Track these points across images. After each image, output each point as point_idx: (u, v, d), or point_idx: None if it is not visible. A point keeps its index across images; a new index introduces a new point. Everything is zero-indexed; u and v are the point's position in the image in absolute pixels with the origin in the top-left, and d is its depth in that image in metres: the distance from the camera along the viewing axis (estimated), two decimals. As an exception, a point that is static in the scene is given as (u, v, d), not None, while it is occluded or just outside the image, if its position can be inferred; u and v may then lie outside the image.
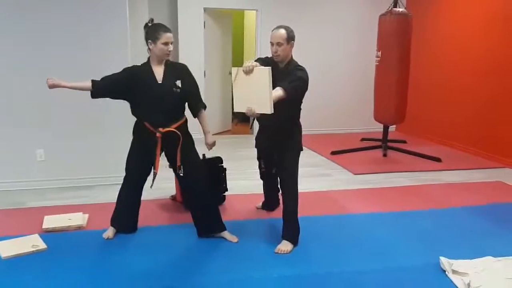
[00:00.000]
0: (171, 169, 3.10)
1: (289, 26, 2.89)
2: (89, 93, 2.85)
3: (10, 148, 4.09)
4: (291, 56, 2.93)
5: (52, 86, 2.74)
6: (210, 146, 3.07)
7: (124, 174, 3.08)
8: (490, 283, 2.49)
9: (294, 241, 3.00)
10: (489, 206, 3.86)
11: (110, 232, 3.11)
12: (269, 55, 3.00)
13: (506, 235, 3.26)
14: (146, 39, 2.82)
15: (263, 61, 2.88)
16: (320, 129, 7.25)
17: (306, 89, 2.87)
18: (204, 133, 3.07)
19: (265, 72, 2.50)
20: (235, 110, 2.76)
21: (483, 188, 4.42)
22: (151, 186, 3.01)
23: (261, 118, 2.74)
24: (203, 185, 3.04)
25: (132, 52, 4.24)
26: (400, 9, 5.58)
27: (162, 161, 2.98)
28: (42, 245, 2.92)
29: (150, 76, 2.84)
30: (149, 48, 2.84)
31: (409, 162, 5.45)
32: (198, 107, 3.03)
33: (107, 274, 2.61)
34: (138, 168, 3.02)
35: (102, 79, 2.85)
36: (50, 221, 3.29)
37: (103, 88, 2.84)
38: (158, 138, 2.86)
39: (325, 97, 7.16)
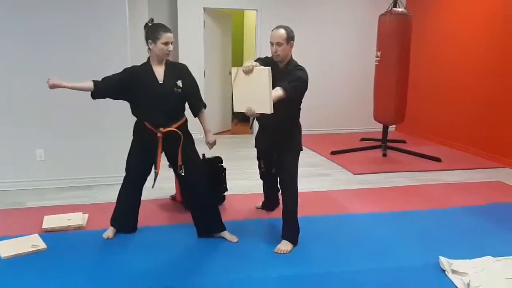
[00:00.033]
0: (171, 169, 3.10)
1: (288, 26, 2.89)
2: (89, 93, 2.84)
3: (10, 148, 4.09)
4: (291, 56, 2.93)
5: (52, 87, 2.71)
6: (211, 145, 3.08)
7: (124, 174, 3.08)
8: (490, 283, 2.49)
9: (294, 241, 3.00)
10: (489, 206, 3.86)
11: (110, 232, 3.11)
12: (269, 55, 3.00)
13: (506, 235, 3.26)
14: (146, 39, 2.82)
15: (263, 61, 2.88)
16: (320, 129, 7.26)
17: (306, 89, 2.87)
18: (205, 132, 3.08)
19: (265, 72, 2.50)
20: (235, 110, 2.76)
21: (483, 188, 4.42)
22: (152, 186, 3.02)
23: (261, 118, 2.74)
24: (203, 185, 3.04)
25: (132, 52, 4.24)
26: (400, 9, 5.58)
27: (163, 161, 2.98)
28: (42, 245, 2.92)
29: (151, 76, 2.84)
30: (149, 48, 2.84)
31: (409, 162, 5.45)
32: (198, 107, 3.05)
33: (107, 274, 2.62)
34: (138, 168, 3.02)
35: (102, 79, 2.84)
36: (50, 221, 3.29)
37: (104, 89, 2.83)
38: (159, 138, 2.86)
39: (325, 97, 7.16)
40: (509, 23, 5.21)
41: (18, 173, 4.15)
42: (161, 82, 2.84)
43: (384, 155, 5.74)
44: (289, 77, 2.76)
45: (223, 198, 3.83)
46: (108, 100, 3.01)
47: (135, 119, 2.99)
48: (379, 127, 6.12)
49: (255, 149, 3.39)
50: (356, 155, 5.78)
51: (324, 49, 7.16)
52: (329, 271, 2.69)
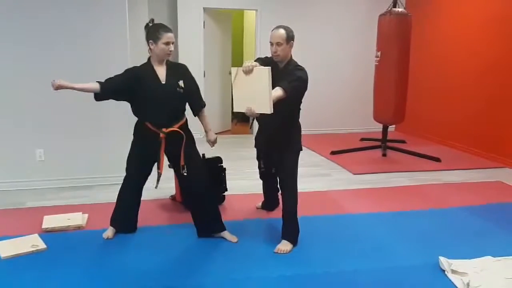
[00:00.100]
0: (171, 169, 3.09)
1: (288, 26, 2.89)
2: (88, 93, 2.83)
3: (9, 148, 4.09)
4: (291, 56, 2.93)
5: (58, 87, 2.63)
6: (213, 143, 3.10)
7: (124, 174, 3.08)
8: (490, 283, 2.49)
9: (294, 241, 3.00)
10: (488, 206, 3.86)
11: (109, 232, 3.11)
12: (269, 55, 3.00)
13: (506, 235, 3.26)
14: (147, 39, 2.82)
15: (263, 61, 2.88)
16: (319, 129, 7.26)
17: (306, 89, 2.87)
18: (206, 131, 3.09)
19: (265, 72, 2.50)
20: (234, 110, 2.76)
21: (482, 188, 4.42)
22: (156, 187, 3.02)
23: (261, 118, 2.74)
24: (203, 185, 3.04)
25: (132, 52, 4.24)
26: (400, 9, 5.58)
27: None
28: (41, 245, 2.92)
29: (153, 77, 2.83)
30: (150, 48, 2.83)
31: (409, 162, 5.45)
32: (199, 106, 3.06)
33: (106, 274, 2.61)
34: (138, 169, 3.02)
35: (106, 81, 2.79)
36: (50, 221, 3.29)
37: (109, 90, 2.78)
38: (162, 139, 2.86)
39: (325, 97, 7.16)
40: (508, 23, 5.21)
41: (18, 173, 4.15)
42: (164, 82, 2.84)
43: (384, 155, 5.74)
44: (289, 77, 2.76)
45: (223, 198, 3.83)
46: (108, 100, 3.01)
47: (135, 119, 2.99)
48: (379, 127, 6.12)
49: (255, 149, 3.39)
50: (356, 155, 5.78)
51: (324, 49, 7.16)
52: (329, 271, 2.69)
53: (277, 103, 2.58)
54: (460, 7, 6.06)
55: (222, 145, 5.92)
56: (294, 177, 3.02)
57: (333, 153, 5.77)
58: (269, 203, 3.67)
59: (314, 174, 4.86)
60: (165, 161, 3.02)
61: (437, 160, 5.45)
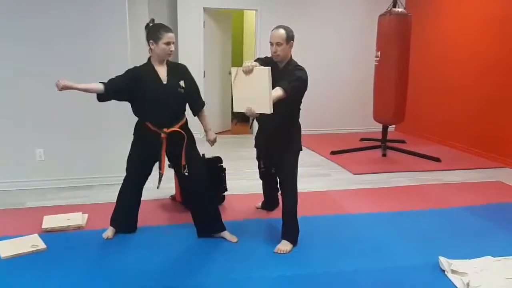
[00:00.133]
0: (170, 169, 3.09)
1: (288, 26, 2.89)
2: (88, 93, 2.82)
3: (9, 148, 4.09)
4: (291, 56, 2.93)
5: (64, 88, 2.59)
6: (212, 142, 3.11)
7: (124, 174, 3.08)
8: (490, 283, 2.49)
9: (294, 241, 3.00)
10: (488, 206, 3.86)
11: (109, 232, 3.11)
12: (269, 55, 3.00)
13: (506, 235, 3.26)
14: (148, 39, 2.81)
15: (263, 61, 2.88)
16: (319, 129, 7.26)
17: (306, 89, 2.87)
18: (205, 130, 3.10)
19: (265, 72, 2.50)
20: (234, 110, 2.76)
21: (483, 188, 4.42)
22: (157, 187, 3.02)
23: (261, 118, 2.74)
24: (203, 185, 3.04)
25: (132, 52, 4.24)
26: (399, 9, 5.58)
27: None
28: (41, 245, 2.92)
29: (154, 77, 2.83)
30: (150, 48, 2.83)
31: (409, 162, 5.45)
32: (199, 106, 3.07)
33: (106, 274, 2.61)
34: (138, 168, 3.02)
35: (109, 81, 2.77)
36: (50, 221, 3.29)
37: (113, 91, 2.76)
38: (163, 139, 2.86)
39: (325, 97, 7.16)
40: (508, 23, 5.21)
41: (18, 173, 4.15)
42: (165, 82, 2.85)
43: (384, 155, 5.74)
44: (289, 77, 2.76)
45: (223, 198, 3.83)
46: (109, 100, 3.00)
47: (135, 119, 2.98)
48: (378, 127, 6.13)
49: (255, 149, 3.39)
50: (356, 155, 5.78)
51: (324, 49, 7.16)
52: (328, 271, 2.69)
53: (277, 103, 2.58)
54: (460, 7, 6.06)
55: (222, 145, 5.93)
56: (294, 177, 3.02)
57: (333, 153, 5.77)
58: (269, 203, 3.67)
59: (314, 174, 4.86)
60: (165, 161, 3.02)
61: (437, 160, 5.45)
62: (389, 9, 5.60)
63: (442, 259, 2.73)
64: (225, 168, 3.82)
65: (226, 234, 3.10)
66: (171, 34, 2.79)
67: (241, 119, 8.12)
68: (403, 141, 6.55)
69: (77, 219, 3.34)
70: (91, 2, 4.04)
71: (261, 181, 3.60)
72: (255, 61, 2.69)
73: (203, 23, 6.69)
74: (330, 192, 4.24)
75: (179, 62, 5.34)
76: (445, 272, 2.66)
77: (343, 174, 4.95)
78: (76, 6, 4.00)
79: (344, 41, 7.24)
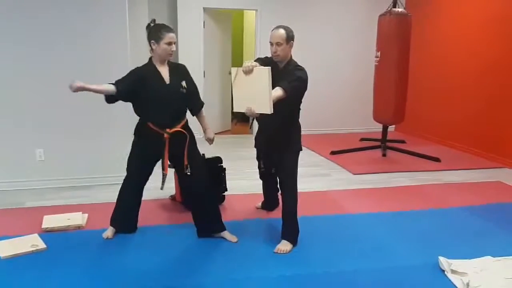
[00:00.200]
0: (170, 169, 3.09)
1: (288, 26, 2.89)
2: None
3: (9, 148, 4.09)
4: (291, 56, 2.93)
5: (78, 89, 2.54)
6: (212, 140, 3.13)
7: (124, 173, 3.08)
8: (489, 283, 2.49)
9: (294, 241, 3.00)
10: (488, 206, 3.86)
11: (109, 232, 3.11)
12: (269, 55, 3.00)
13: (506, 235, 3.26)
14: (149, 39, 2.81)
15: (263, 61, 2.88)
16: (319, 129, 7.26)
17: (306, 89, 2.87)
18: (205, 129, 3.11)
19: (265, 72, 2.50)
20: (234, 110, 2.77)
21: (482, 188, 4.43)
22: (161, 188, 3.02)
23: (261, 118, 2.74)
24: (204, 185, 3.04)
25: (132, 52, 4.24)
26: (400, 9, 5.58)
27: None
28: (41, 244, 2.92)
29: (157, 77, 2.83)
30: (152, 49, 2.83)
31: (409, 162, 5.45)
32: (198, 106, 3.09)
33: (106, 274, 2.61)
34: (139, 168, 3.02)
35: (117, 83, 2.74)
36: (50, 221, 3.29)
37: (123, 92, 2.73)
38: (166, 139, 2.86)
39: (325, 97, 7.16)
40: (508, 23, 5.21)
41: (17, 173, 4.15)
42: (168, 83, 2.85)
43: (384, 155, 5.74)
44: (289, 77, 2.76)
45: (223, 198, 3.83)
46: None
47: (135, 118, 2.99)
48: (378, 127, 6.13)
49: (255, 149, 3.39)
50: (355, 155, 5.78)
51: (324, 49, 7.16)
52: (329, 271, 2.69)
53: (277, 103, 2.58)
54: (460, 7, 6.06)
55: (222, 145, 5.94)
56: (294, 177, 3.02)
57: (333, 153, 5.77)
58: (269, 203, 3.67)
59: (314, 174, 4.86)
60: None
61: (437, 160, 5.45)
62: (389, 9, 5.60)
63: (442, 259, 2.73)
64: (225, 168, 3.82)
65: (226, 234, 3.10)
66: (172, 34, 2.79)
67: (241, 119, 8.12)
68: (403, 141, 6.55)
69: (77, 219, 3.34)
70: (91, 2, 4.04)
71: (261, 181, 3.60)
72: (255, 61, 2.70)
73: (203, 23, 6.69)
74: (330, 192, 4.24)
75: (179, 62, 5.34)
76: (445, 272, 2.66)
77: (343, 174, 4.95)
78: (76, 6, 4.00)
79: (344, 41, 7.24)
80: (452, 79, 6.21)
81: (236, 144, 6.41)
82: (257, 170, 3.51)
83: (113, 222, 3.14)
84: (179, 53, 6.52)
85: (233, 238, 3.08)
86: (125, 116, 4.09)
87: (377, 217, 3.59)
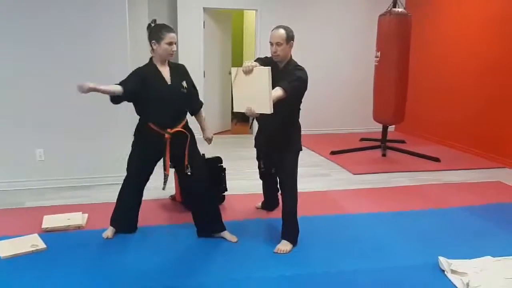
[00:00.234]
0: (170, 169, 3.09)
1: (288, 26, 2.89)
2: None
3: (9, 148, 4.09)
4: (291, 56, 2.93)
5: (89, 90, 2.50)
6: (210, 140, 3.15)
7: (123, 174, 3.08)
8: (489, 283, 2.49)
9: (294, 241, 3.00)
10: (488, 206, 3.86)
11: (109, 232, 3.11)
12: (269, 55, 3.00)
13: (506, 235, 3.26)
14: (150, 39, 2.82)
15: (263, 61, 2.89)
16: (319, 129, 7.26)
17: (306, 89, 2.87)
18: (203, 129, 3.13)
19: (265, 72, 2.50)
20: (234, 110, 2.77)
21: (482, 188, 4.43)
22: (163, 188, 3.01)
23: (261, 118, 2.74)
24: (204, 185, 3.04)
25: (132, 52, 4.24)
26: (400, 9, 5.58)
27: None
28: (41, 244, 2.92)
29: (159, 77, 2.84)
30: (152, 49, 2.83)
31: (408, 162, 5.45)
32: (198, 106, 3.09)
33: (106, 274, 2.61)
34: (139, 168, 3.02)
35: (122, 83, 2.73)
36: (50, 221, 3.29)
37: (129, 92, 2.72)
38: (167, 139, 2.86)
39: (325, 97, 7.17)
40: (508, 23, 5.21)
41: (17, 173, 4.15)
42: (170, 83, 2.85)
43: (384, 155, 5.74)
44: (289, 77, 2.76)
45: (223, 198, 3.83)
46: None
47: (134, 119, 2.99)
48: (378, 127, 6.13)
49: (255, 149, 3.39)
50: (355, 155, 5.78)
51: (324, 49, 7.16)
52: (329, 271, 2.69)
53: (277, 103, 2.58)
54: (460, 7, 6.06)
55: (222, 145, 5.94)
56: (294, 177, 3.02)
57: (333, 153, 5.77)
58: (269, 203, 3.67)
59: (314, 174, 4.86)
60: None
61: (437, 160, 5.45)
62: (389, 9, 5.60)
63: (442, 259, 2.73)
64: (225, 168, 3.82)
65: (226, 234, 3.10)
66: (173, 34, 2.79)
67: (241, 119, 8.12)
68: (403, 141, 6.55)
69: (77, 219, 3.34)
70: (91, 2, 4.04)
71: (261, 181, 3.60)
72: (255, 61, 2.70)
73: (203, 23, 6.69)
74: (330, 192, 4.24)
75: (179, 62, 5.34)
76: (445, 272, 2.66)
77: (343, 174, 4.95)
78: (76, 6, 4.00)
79: (344, 41, 7.24)
80: (452, 79, 6.21)
81: (236, 144, 6.41)
82: (257, 170, 3.51)
83: (113, 222, 3.14)
84: (179, 53, 6.51)
85: (233, 238, 3.08)
86: (125, 116, 4.09)
87: (377, 217, 3.59)
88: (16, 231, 3.14)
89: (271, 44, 2.85)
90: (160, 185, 3.01)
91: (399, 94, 5.61)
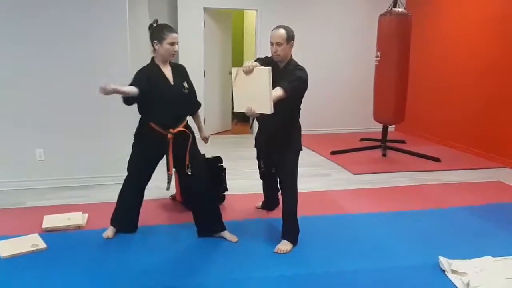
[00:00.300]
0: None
1: (289, 26, 2.89)
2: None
3: (9, 148, 4.09)
4: (291, 56, 2.93)
5: (111, 92, 2.48)
6: (207, 139, 3.21)
7: (123, 173, 3.08)
8: (489, 283, 2.49)
9: (294, 241, 3.00)
10: (488, 206, 3.86)
11: (110, 231, 3.11)
12: (269, 55, 3.00)
13: (506, 235, 3.27)
14: (151, 39, 2.82)
15: (263, 61, 2.89)
16: (319, 129, 7.26)
17: (306, 89, 2.87)
18: (200, 129, 3.18)
19: (265, 72, 2.50)
20: (235, 110, 2.77)
21: (482, 188, 4.43)
22: (167, 188, 3.01)
23: (261, 118, 2.75)
24: (204, 185, 3.04)
25: (132, 52, 4.24)
26: (400, 9, 5.58)
27: (164, 160, 2.98)
28: (42, 244, 2.92)
29: (162, 78, 2.84)
30: (154, 49, 2.83)
31: (409, 162, 5.45)
32: (197, 106, 3.12)
33: (106, 274, 2.62)
34: (139, 169, 3.02)
35: (135, 84, 2.70)
36: (50, 221, 3.29)
37: (141, 92, 2.69)
38: (170, 139, 2.86)
39: (325, 97, 7.17)
40: (508, 23, 5.21)
41: (18, 173, 4.15)
42: (173, 83, 2.86)
43: (384, 155, 5.74)
44: (289, 77, 2.76)
45: (223, 198, 3.83)
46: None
47: (134, 119, 2.98)
48: (378, 127, 6.12)
49: (255, 149, 3.39)
50: (355, 155, 5.78)
51: (324, 49, 7.16)
52: (329, 271, 2.69)
53: (277, 103, 2.58)
54: (460, 7, 6.06)
55: (222, 145, 5.94)
56: (294, 177, 3.02)
57: (333, 153, 5.77)
58: (269, 203, 3.67)
59: (314, 174, 4.86)
60: (164, 161, 3.02)
61: (437, 160, 5.45)
62: (389, 9, 5.60)
63: (442, 259, 2.73)
64: (225, 168, 3.82)
65: (226, 234, 3.10)
66: (175, 35, 2.80)
67: (241, 119, 8.12)
68: (403, 141, 6.55)
69: (77, 218, 3.34)
70: (91, 2, 4.04)
71: (261, 181, 3.60)
72: (255, 61, 2.70)
73: (203, 23, 6.69)
74: (330, 192, 4.24)
75: (180, 62, 5.35)
76: (445, 272, 2.66)
77: (343, 174, 4.95)
78: (76, 6, 4.00)
79: (344, 41, 7.24)
80: (452, 79, 6.21)
81: (236, 144, 6.40)
82: (257, 170, 3.51)
83: (113, 222, 3.14)
84: (179, 53, 6.50)
85: (233, 238, 3.08)
86: (125, 116, 4.09)
87: (377, 217, 3.59)
88: (16, 231, 3.14)
89: (272, 44, 2.85)
90: (160, 184, 3.01)
91: (399, 94, 5.61)
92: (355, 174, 4.92)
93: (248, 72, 2.57)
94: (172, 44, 2.78)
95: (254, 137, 3.37)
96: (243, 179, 4.54)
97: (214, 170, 3.69)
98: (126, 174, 3.08)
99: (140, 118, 2.94)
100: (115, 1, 4.09)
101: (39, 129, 4.11)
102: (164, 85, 2.83)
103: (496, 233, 3.30)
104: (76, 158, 4.24)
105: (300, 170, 3.06)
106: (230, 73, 3.53)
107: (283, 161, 3.02)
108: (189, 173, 2.93)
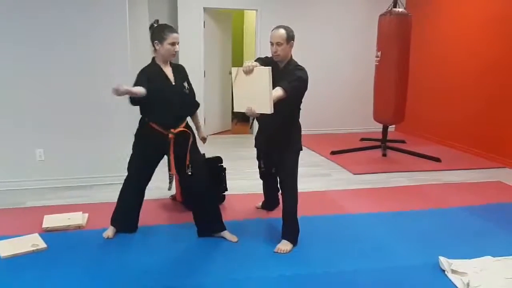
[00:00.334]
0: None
1: (289, 26, 2.90)
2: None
3: (9, 148, 4.09)
4: (291, 56, 2.93)
5: (124, 93, 2.50)
6: (205, 139, 3.23)
7: (123, 173, 3.08)
8: (489, 283, 2.49)
9: (294, 240, 3.00)
10: (488, 206, 3.86)
11: (110, 231, 3.11)
12: (269, 55, 3.00)
13: (506, 235, 3.27)
14: (152, 39, 2.82)
15: (263, 61, 2.89)
16: (319, 129, 7.26)
17: (306, 89, 2.87)
18: (199, 128, 3.20)
19: (265, 72, 2.50)
20: (235, 110, 2.77)
21: (482, 188, 4.43)
22: (169, 188, 3.02)
23: (261, 118, 2.75)
24: (204, 185, 3.04)
25: (132, 52, 4.24)
26: (400, 9, 5.58)
27: (164, 160, 2.98)
28: (42, 244, 2.92)
29: (163, 78, 2.85)
30: (155, 49, 2.83)
31: (409, 162, 5.45)
32: (196, 106, 3.12)
33: (107, 274, 2.62)
34: (140, 169, 3.02)
35: (140, 84, 2.71)
36: (50, 221, 3.29)
37: (148, 91, 2.71)
38: (171, 139, 2.86)
39: (325, 97, 7.17)
40: (508, 23, 5.21)
41: (18, 173, 4.15)
42: (174, 83, 2.86)
43: (384, 155, 5.74)
44: (289, 77, 2.76)
45: (223, 198, 3.83)
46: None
47: (134, 119, 2.99)
48: (379, 127, 6.13)
49: (255, 149, 3.39)
50: (356, 155, 5.78)
51: (324, 49, 7.16)
52: (329, 271, 2.69)
53: (277, 103, 2.58)
54: (460, 7, 6.06)
55: (222, 145, 5.95)
56: (294, 177, 3.02)
57: (333, 153, 5.77)
58: (269, 203, 3.67)
59: (314, 174, 4.86)
60: (164, 161, 3.02)
61: (437, 160, 5.45)
62: (389, 9, 5.60)
63: (442, 259, 2.73)
64: (225, 168, 3.82)
65: (226, 234, 3.10)
66: (176, 35, 2.80)
67: (241, 119, 8.12)
68: (403, 141, 6.55)
69: (78, 218, 3.34)
70: (91, 2, 4.04)
71: (261, 181, 3.60)
72: (255, 61, 2.70)
73: (203, 23, 6.69)
74: (330, 192, 4.25)
75: (180, 62, 5.35)
76: (445, 272, 2.66)
77: (343, 174, 4.95)
78: (76, 6, 4.00)
79: (344, 41, 7.25)
80: (452, 79, 6.21)
81: (236, 144, 6.40)
82: (257, 170, 3.51)
83: (113, 222, 3.14)
84: (179, 53, 6.47)
85: (233, 238, 3.08)
86: (125, 116, 4.09)
87: (377, 217, 3.59)
88: (16, 231, 3.14)
89: (272, 44, 2.85)
90: (161, 185, 3.01)
91: (399, 94, 5.61)
92: (355, 174, 4.92)
93: (248, 72, 2.57)
94: (173, 44, 2.79)
95: (254, 137, 3.37)
96: (243, 179, 4.54)
97: (214, 170, 3.69)
98: (126, 174, 3.08)
99: (141, 118, 2.95)
100: (115, 1, 4.09)
101: (39, 129, 4.11)
102: (165, 85, 2.83)
103: (496, 233, 3.30)
104: (76, 158, 4.24)
105: (300, 170, 3.06)
106: (230, 73, 3.54)
107: (283, 161, 3.02)
108: (190, 173, 2.93)
